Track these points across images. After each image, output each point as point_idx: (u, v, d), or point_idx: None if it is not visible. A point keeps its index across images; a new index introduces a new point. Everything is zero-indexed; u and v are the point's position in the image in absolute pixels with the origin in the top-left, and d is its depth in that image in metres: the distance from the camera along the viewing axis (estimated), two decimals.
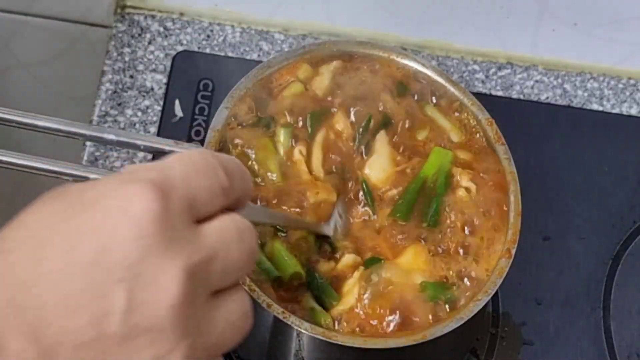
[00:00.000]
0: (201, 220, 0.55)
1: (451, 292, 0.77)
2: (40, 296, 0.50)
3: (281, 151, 0.83)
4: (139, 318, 0.51)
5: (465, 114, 0.87)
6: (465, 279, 0.79)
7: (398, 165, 0.83)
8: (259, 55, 1.06)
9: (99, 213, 0.51)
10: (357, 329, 0.76)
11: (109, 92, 1.02)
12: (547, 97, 1.07)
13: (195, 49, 1.05)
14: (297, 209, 0.80)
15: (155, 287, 0.51)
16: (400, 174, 0.83)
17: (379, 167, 0.83)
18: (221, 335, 0.55)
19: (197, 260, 0.52)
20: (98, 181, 0.54)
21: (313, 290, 0.77)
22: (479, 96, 0.89)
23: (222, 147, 0.83)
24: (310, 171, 0.83)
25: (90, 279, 0.50)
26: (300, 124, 0.84)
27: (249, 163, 0.82)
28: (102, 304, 0.50)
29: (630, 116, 1.07)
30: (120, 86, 1.02)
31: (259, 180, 0.81)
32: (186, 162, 0.55)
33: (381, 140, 0.84)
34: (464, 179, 0.82)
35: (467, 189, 0.82)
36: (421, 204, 0.82)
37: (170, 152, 0.83)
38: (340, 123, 0.84)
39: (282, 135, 0.83)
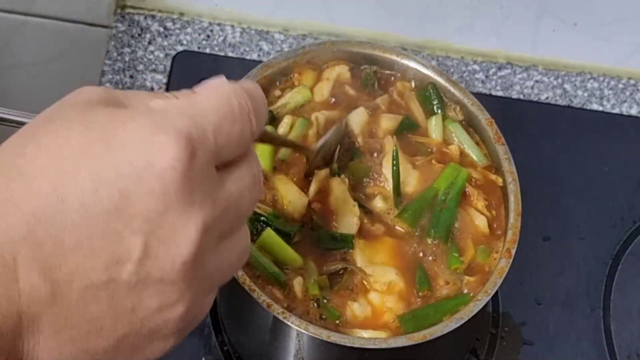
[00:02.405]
0: (223, 163, 0.55)
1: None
2: (59, 234, 0.50)
3: None
4: (150, 269, 0.51)
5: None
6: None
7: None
8: (259, 55, 1.06)
9: (126, 161, 0.51)
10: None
11: None
12: (547, 97, 1.07)
13: (195, 49, 1.05)
14: None
15: (171, 242, 0.51)
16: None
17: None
18: (222, 273, 0.56)
19: (213, 215, 0.53)
20: (130, 116, 0.52)
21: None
22: (479, 96, 0.89)
23: None
24: None
25: (109, 224, 0.50)
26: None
27: None
28: (118, 251, 0.50)
29: (630, 116, 1.07)
30: (120, 86, 1.02)
31: None
32: (221, 107, 0.54)
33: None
34: (479, 203, 0.83)
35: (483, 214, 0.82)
36: (429, 214, 0.82)
37: None
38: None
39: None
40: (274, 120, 0.85)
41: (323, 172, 0.82)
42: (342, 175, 0.82)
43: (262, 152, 0.81)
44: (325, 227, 0.80)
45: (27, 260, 0.49)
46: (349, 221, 0.80)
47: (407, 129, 0.86)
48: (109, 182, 0.50)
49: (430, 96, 0.87)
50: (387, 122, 0.86)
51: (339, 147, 0.83)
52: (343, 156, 0.83)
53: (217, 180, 0.54)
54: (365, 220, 0.81)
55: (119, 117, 0.52)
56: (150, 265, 0.51)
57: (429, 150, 0.85)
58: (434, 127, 0.86)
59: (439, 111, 0.87)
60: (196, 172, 0.52)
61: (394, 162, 0.82)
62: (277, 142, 0.79)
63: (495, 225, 0.82)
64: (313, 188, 0.81)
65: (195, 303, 0.54)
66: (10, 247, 0.49)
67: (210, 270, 0.54)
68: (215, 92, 0.55)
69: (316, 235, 0.79)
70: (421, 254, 0.80)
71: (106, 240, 0.50)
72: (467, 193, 0.83)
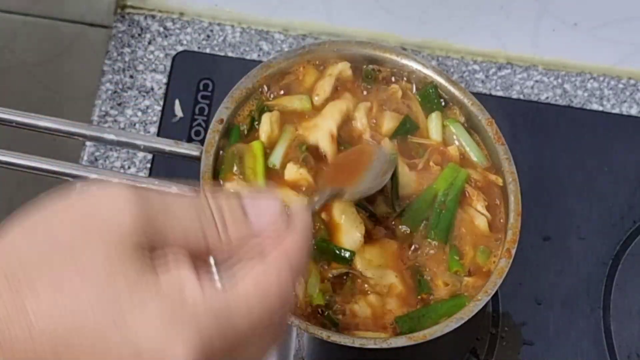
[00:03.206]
0: None
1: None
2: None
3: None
4: None
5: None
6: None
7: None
8: (259, 55, 1.06)
9: (131, 344, 0.47)
10: None
11: (109, 92, 1.02)
12: (547, 97, 1.07)
13: (195, 49, 1.05)
14: None
15: None
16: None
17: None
18: None
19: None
20: (153, 294, 0.48)
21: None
22: (479, 96, 0.89)
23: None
24: None
25: None
26: None
27: None
28: None
29: (630, 116, 1.07)
30: (120, 86, 1.02)
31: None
32: (259, 315, 0.50)
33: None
34: (479, 204, 0.83)
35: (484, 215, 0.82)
36: (429, 215, 0.82)
37: (170, 152, 0.83)
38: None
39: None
40: (264, 110, 0.85)
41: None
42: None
43: (255, 158, 0.81)
44: (329, 239, 0.80)
45: None
46: (352, 237, 0.80)
47: (407, 129, 0.86)
48: None
49: (431, 96, 0.87)
50: (389, 120, 0.86)
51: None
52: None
53: None
54: (367, 223, 0.81)
55: (143, 293, 0.47)
56: None
57: (427, 152, 0.85)
58: (434, 125, 0.86)
59: (439, 110, 0.87)
60: None
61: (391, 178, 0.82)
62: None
63: (495, 226, 0.82)
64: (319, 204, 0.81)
65: None
66: None
67: None
68: (256, 286, 0.50)
69: (319, 246, 0.79)
70: (421, 256, 0.80)
71: None
72: (467, 194, 0.83)
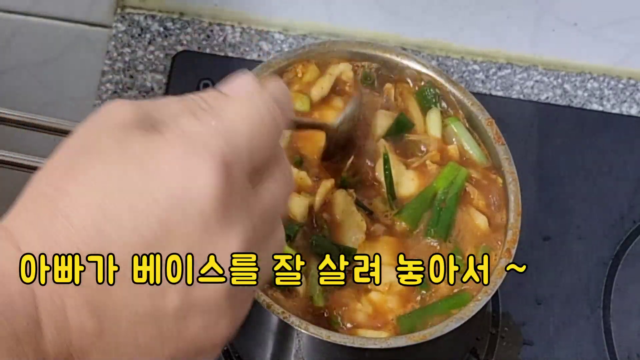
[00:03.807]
0: (256, 169, 0.55)
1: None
2: (101, 264, 0.50)
3: None
4: (194, 293, 0.52)
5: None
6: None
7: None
8: (259, 55, 1.06)
9: (163, 189, 0.51)
10: None
11: (109, 92, 1.02)
12: (547, 97, 1.07)
13: (195, 49, 1.05)
14: None
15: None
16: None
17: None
18: (261, 276, 0.57)
19: (253, 228, 0.54)
20: (164, 142, 0.52)
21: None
22: (479, 96, 0.89)
23: None
24: None
25: (148, 252, 0.51)
26: None
27: None
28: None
29: (630, 116, 1.07)
30: (120, 86, 1.02)
31: None
32: (252, 121, 0.55)
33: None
34: (480, 202, 0.83)
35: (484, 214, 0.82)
36: (429, 214, 0.82)
37: None
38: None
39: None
40: None
41: (328, 184, 0.81)
42: (350, 190, 0.82)
43: None
44: (331, 238, 0.80)
45: (74, 299, 0.50)
46: (354, 234, 0.80)
47: (402, 127, 0.86)
48: (148, 213, 0.51)
49: (428, 94, 0.87)
50: (383, 119, 0.86)
51: (358, 122, 0.83)
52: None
53: (253, 193, 0.55)
54: (367, 221, 0.81)
55: (154, 144, 0.52)
56: (193, 289, 0.52)
57: (423, 150, 0.85)
58: (432, 122, 0.86)
59: (437, 106, 0.87)
60: (232, 192, 0.52)
61: (386, 166, 0.82)
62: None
63: (495, 226, 0.82)
64: (318, 200, 0.81)
65: (238, 315, 0.55)
66: (57, 288, 0.50)
67: None
68: (245, 104, 0.55)
69: (320, 245, 0.79)
70: (421, 254, 0.80)
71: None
72: (467, 192, 0.83)
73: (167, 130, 0.53)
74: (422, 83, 0.88)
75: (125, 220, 0.50)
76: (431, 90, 0.87)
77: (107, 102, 0.56)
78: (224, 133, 0.53)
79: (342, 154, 0.82)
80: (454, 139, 0.86)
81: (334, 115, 0.84)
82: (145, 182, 0.51)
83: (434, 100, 0.87)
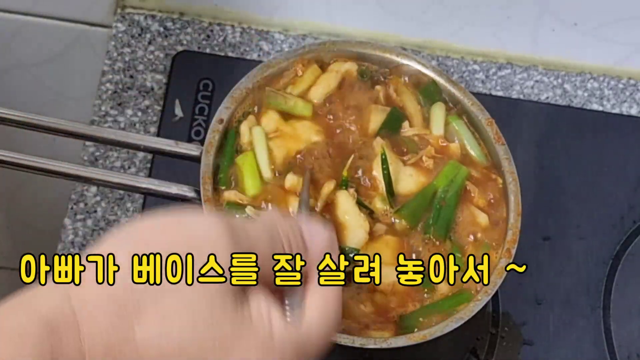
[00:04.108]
0: None
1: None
2: None
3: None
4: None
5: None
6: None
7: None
8: (259, 55, 1.06)
9: None
10: None
11: (109, 92, 1.02)
12: (547, 97, 1.07)
13: (195, 49, 1.05)
14: None
15: None
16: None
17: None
18: None
19: None
20: (249, 327, 0.55)
21: None
22: (479, 96, 0.89)
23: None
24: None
25: None
26: None
27: None
28: None
29: (630, 116, 1.07)
30: (120, 86, 1.02)
31: None
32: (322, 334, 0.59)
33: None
34: (481, 200, 0.83)
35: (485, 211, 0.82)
36: (429, 212, 0.82)
37: (170, 152, 0.83)
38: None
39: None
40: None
41: (331, 185, 0.81)
42: (351, 190, 0.82)
43: (250, 167, 0.81)
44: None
45: None
46: (357, 235, 0.80)
47: (395, 121, 0.85)
48: None
49: (432, 92, 0.87)
50: (375, 114, 0.85)
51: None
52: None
53: None
54: (369, 221, 0.81)
55: (237, 325, 0.54)
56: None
57: (420, 148, 0.85)
58: (436, 116, 0.86)
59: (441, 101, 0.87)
60: None
61: (384, 166, 0.82)
62: None
63: (495, 224, 0.82)
64: (320, 201, 0.80)
65: None
66: None
67: None
68: (320, 314, 0.59)
69: None
70: (422, 253, 0.80)
71: None
72: (468, 190, 0.83)
73: (253, 307, 0.56)
74: (423, 83, 0.88)
75: None
76: (436, 85, 0.87)
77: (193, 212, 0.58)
78: (298, 347, 0.56)
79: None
80: (455, 138, 0.86)
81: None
82: (217, 355, 0.53)
83: (437, 98, 0.87)
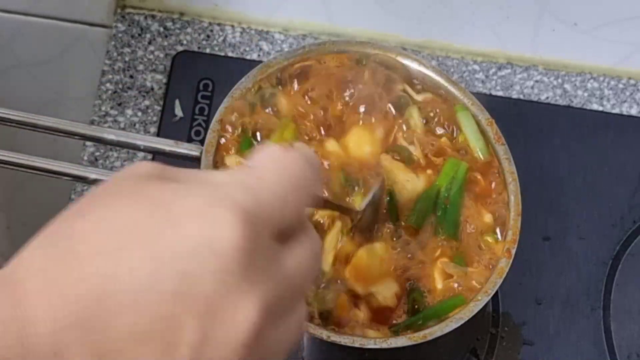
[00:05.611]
0: (282, 235, 0.52)
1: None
2: (111, 319, 0.47)
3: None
4: (209, 354, 0.48)
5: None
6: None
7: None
8: (259, 55, 1.06)
9: (184, 238, 0.47)
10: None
11: (109, 92, 1.02)
12: (547, 97, 1.07)
13: (195, 49, 1.05)
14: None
15: (230, 324, 0.48)
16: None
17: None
18: (278, 351, 0.52)
19: (274, 294, 0.50)
20: (184, 187, 0.49)
21: None
22: (479, 96, 0.88)
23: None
24: None
25: (167, 308, 0.47)
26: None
27: None
28: (175, 336, 0.47)
29: (630, 116, 1.07)
30: (120, 86, 1.02)
31: None
32: (281, 178, 0.52)
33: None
34: (485, 193, 0.83)
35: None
36: (434, 213, 0.81)
37: (170, 152, 0.83)
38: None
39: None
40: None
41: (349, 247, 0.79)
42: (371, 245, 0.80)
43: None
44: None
45: (77, 347, 0.46)
46: (386, 288, 0.79)
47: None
48: (167, 262, 0.47)
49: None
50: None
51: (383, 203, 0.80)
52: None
53: (278, 257, 0.51)
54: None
55: (173, 189, 0.49)
56: (208, 350, 0.48)
57: (416, 158, 0.84)
58: (413, 116, 0.86)
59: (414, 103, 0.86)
60: (257, 249, 0.48)
61: (391, 202, 0.81)
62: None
63: (496, 222, 0.82)
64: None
65: None
66: (59, 334, 0.46)
67: (267, 349, 0.51)
68: (274, 161, 0.53)
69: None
70: (422, 257, 0.80)
71: (163, 324, 0.47)
72: (471, 186, 0.82)
73: (187, 180, 0.50)
74: (423, 83, 0.88)
75: (140, 268, 0.47)
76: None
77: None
78: (249, 184, 0.50)
79: (365, 236, 0.80)
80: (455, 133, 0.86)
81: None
82: (163, 228, 0.47)
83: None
